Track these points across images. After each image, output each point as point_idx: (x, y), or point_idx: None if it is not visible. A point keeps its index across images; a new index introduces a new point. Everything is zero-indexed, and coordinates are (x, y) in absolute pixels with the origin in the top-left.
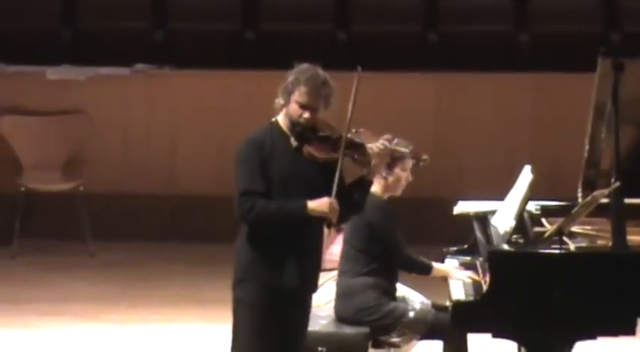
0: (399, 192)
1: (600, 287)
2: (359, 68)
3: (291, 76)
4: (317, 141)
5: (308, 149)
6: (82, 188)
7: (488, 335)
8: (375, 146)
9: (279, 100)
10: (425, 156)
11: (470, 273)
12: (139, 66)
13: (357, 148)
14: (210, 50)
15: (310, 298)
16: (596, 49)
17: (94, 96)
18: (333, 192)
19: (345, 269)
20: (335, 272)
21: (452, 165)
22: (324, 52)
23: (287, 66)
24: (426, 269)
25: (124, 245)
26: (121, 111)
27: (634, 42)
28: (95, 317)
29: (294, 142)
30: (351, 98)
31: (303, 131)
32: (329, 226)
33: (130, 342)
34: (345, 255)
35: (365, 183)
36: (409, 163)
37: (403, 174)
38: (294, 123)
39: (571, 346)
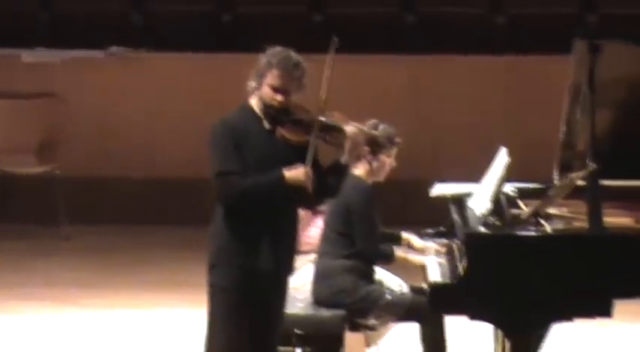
0: (382, 178)
1: (576, 269)
2: (334, 39)
3: (263, 59)
4: (290, 124)
5: (281, 132)
6: (57, 171)
7: (466, 318)
8: (348, 128)
9: (252, 83)
10: (398, 139)
11: (431, 245)
12: (114, 49)
13: (329, 130)
14: (187, 33)
15: (286, 281)
16: (573, 31)
17: (70, 79)
18: (308, 162)
19: (324, 251)
20: (312, 255)
21: (428, 147)
22: (300, 34)
23: (263, 48)
24: (389, 259)
25: (100, 228)
26: (97, 95)
27: (610, 24)
28: (75, 302)
29: (267, 125)
30: (327, 73)
31: (276, 114)
32: (306, 200)
33: (109, 326)
34: (324, 237)
35: (339, 168)
36: (394, 150)
37: (387, 160)
38: (267, 106)
39: (547, 327)
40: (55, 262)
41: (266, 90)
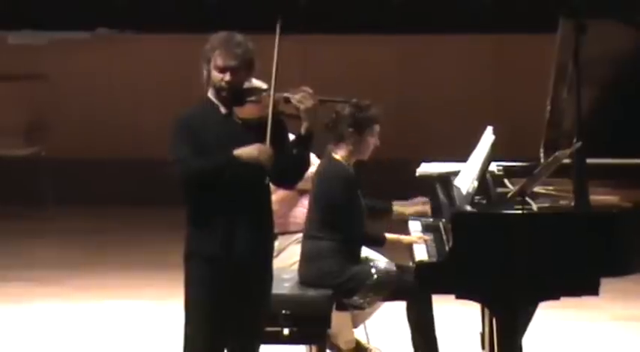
0: (366, 157)
1: (563, 248)
2: (278, 21)
3: (207, 46)
4: (244, 104)
5: (237, 113)
6: (43, 153)
7: (453, 296)
8: (302, 96)
9: (204, 73)
10: (379, 117)
11: (420, 235)
12: (101, 30)
13: (286, 102)
14: (173, 14)
15: (266, 266)
16: (558, 9)
17: (57, 61)
18: (267, 141)
19: (309, 234)
20: (299, 235)
21: (414, 126)
22: (285, 14)
23: (249, 29)
24: (379, 242)
25: (86, 210)
26: (84, 76)
27: (596, 2)
28: (59, 283)
29: (223, 110)
30: (275, 55)
31: (230, 95)
32: (265, 175)
33: (94, 307)
34: (308, 219)
35: (303, 138)
36: (377, 128)
37: (371, 139)
38: (218, 90)
39: (534, 306)
40: (41, 243)
41: (214, 75)
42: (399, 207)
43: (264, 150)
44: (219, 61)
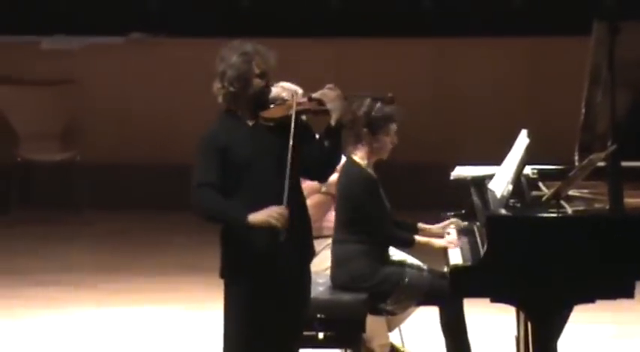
0: (385, 156)
1: (598, 251)
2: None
3: (237, 59)
4: (270, 105)
5: (263, 116)
6: (78, 158)
7: (486, 300)
8: (324, 91)
9: (223, 87)
10: (390, 94)
11: (452, 239)
12: (133, 35)
13: (310, 100)
14: (205, 18)
15: (304, 272)
16: (592, 11)
17: (89, 65)
18: (284, 200)
19: (338, 237)
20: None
21: (449, 129)
22: (318, 18)
23: (283, 32)
24: (408, 244)
25: (121, 214)
26: (117, 81)
27: (629, 4)
28: (94, 286)
29: (249, 121)
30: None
31: (260, 101)
32: (280, 233)
33: (128, 312)
34: (336, 223)
35: (331, 131)
36: (393, 127)
37: (387, 138)
38: (259, 97)
39: (569, 309)
40: (75, 247)
41: (257, 82)
42: (424, 228)
43: (277, 216)
44: (262, 66)
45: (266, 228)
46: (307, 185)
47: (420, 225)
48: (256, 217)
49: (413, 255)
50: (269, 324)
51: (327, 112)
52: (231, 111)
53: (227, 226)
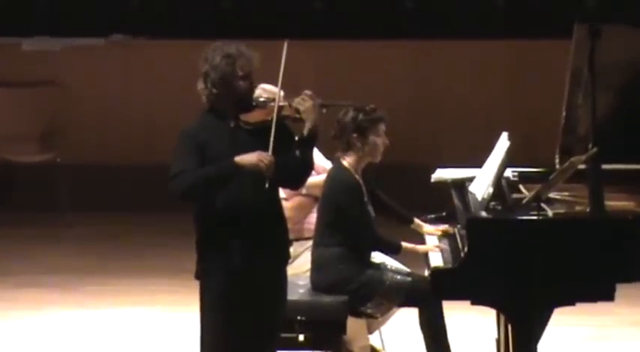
0: (378, 158)
1: (578, 253)
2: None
3: (221, 61)
4: (252, 108)
5: (243, 119)
6: (58, 159)
7: (467, 302)
8: (301, 98)
9: (206, 87)
10: (371, 106)
11: (436, 244)
12: (115, 36)
13: (290, 107)
14: (187, 19)
15: (280, 273)
16: (573, 14)
17: (70, 67)
18: (270, 149)
19: (318, 241)
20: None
21: (429, 132)
22: (298, 21)
23: (264, 34)
24: (396, 250)
25: (104, 215)
26: (97, 82)
27: (610, 6)
28: (76, 289)
29: (232, 122)
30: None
31: (248, 101)
32: (265, 180)
33: (109, 314)
34: (317, 227)
35: (304, 139)
36: (382, 128)
37: (378, 139)
38: (242, 98)
39: (550, 311)
40: (57, 249)
41: (240, 84)
42: (418, 223)
43: (263, 159)
44: (245, 68)
45: (252, 170)
46: None
47: (417, 220)
48: (245, 159)
49: (395, 258)
50: (245, 327)
51: (302, 121)
52: (213, 110)
53: (217, 184)
